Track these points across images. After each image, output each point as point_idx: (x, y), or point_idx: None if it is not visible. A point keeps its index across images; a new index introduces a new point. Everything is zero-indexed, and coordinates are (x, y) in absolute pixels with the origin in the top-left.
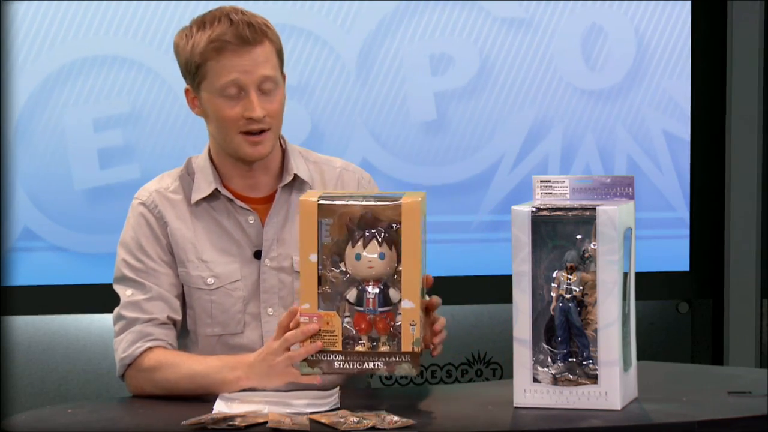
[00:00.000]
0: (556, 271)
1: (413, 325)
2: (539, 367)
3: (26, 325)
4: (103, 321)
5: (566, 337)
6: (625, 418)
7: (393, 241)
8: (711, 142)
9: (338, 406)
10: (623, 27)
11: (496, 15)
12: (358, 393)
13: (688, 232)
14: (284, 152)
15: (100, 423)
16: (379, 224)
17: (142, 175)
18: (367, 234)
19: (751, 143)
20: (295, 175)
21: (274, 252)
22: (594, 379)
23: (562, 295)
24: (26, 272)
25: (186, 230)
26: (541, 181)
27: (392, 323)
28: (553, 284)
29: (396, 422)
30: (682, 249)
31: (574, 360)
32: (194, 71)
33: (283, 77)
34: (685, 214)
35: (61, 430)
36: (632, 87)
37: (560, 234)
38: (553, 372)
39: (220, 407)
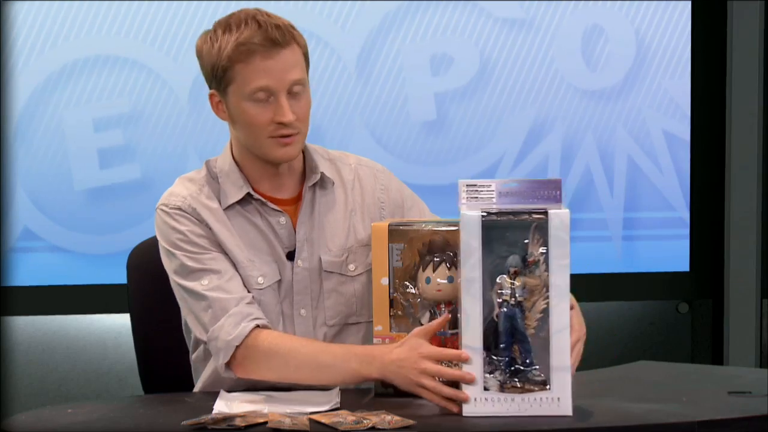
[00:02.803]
0: (500, 276)
1: None
2: (486, 375)
3: (26, 325)
4: (102, 321)
5: (510, 343)
6: (625, 418)
7: None
8: (711, 142)
9: (338, 406)
10: (623, 27)
11: (496, 15)
12: (358, 393)
13: (688, 232)
14: (305, 152)
15: (100, 423)
16: (448, 248)
17: (142, 175)
18: (436, 258)
19: (751, 143)
20: (321, 173)
21: (306, 252)
22: (541, 384)
23: (506, 300)
24: (26, 272)
25: (228, 232)
26: (467, 185)
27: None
28: (496, 289)
29: (396, 422)
30: (682, 249)
31: (516, 367)
32: (221, 75)
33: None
34: (685, 214)
35: (61, 430)
36: (632, 87)
37: (504, 238)
38: (499, 379)
39: (220, 407)
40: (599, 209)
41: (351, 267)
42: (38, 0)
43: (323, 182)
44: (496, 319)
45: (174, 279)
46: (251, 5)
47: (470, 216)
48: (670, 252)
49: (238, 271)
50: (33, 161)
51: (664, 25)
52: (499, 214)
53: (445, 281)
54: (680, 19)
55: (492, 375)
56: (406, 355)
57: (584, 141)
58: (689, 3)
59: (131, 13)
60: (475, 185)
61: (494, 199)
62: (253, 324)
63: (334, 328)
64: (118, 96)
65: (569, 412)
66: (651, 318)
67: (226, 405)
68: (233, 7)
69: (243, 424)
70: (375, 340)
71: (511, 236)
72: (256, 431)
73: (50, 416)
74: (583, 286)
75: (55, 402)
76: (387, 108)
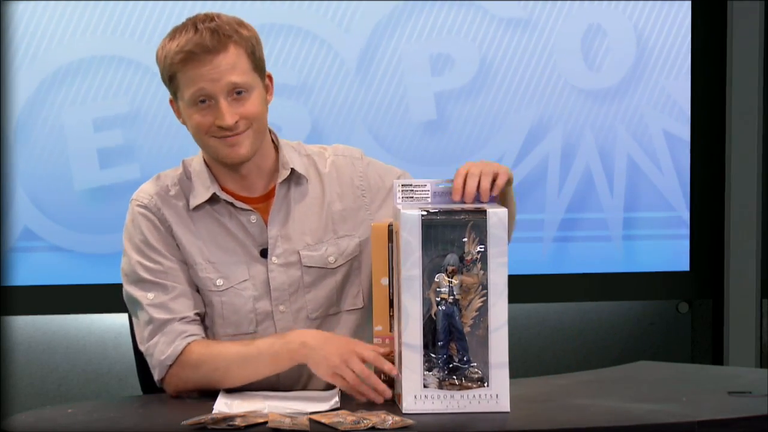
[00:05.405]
0: (438, 274)
1: None
2: (425, 372)
3: (26, 325)
4: (102, 321)
5: (447, 341)
6: (625, 418)
7: None
8: (711, 142)
9: (338, 406)
10: (623, 27)
11: (496, 15)
12: None
13: (688, 232)
14: (277, 149)
15: (100, 423)
16: None
17: (142, 175)
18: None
19: (751, 143)
20: (292, 169)
21: (280, 249)
22: (479, 382)
23: (444, 299)
24: (26, 272)
25: (190, 234)
26: (402, 185)
27: None
28: (434, 288)
29: (396, 422)
30: (682, 249)
31: (454, 364)
32: (169, 83)
33: (268, 76)
34: (685, 214)
35: (61, 430)
36: (632, 87)
37: (442, 237)
38: (437, 377)
39: (220, 407)
40: (599, 209)
41: (331, 259)
42: (38, 0)
43: (297, 178)
44: (434, 317)
45: (123, 278)
46: (247, 5)
47: (410, 215)
48: (670, 252)
49: (198, 272)
50: (33, 161)
51: (664, 25)
52: (438, 213)
53: None
54: (680, 19)
55: (431, 372)
56: (336, 341)
57: (584, 141)
58: (689, 3)
59: (131, 13)
60: (411, 185)
61: (429, 199)
62: (185, 342)
63: (316, 321)
64: (118, 96)
65: (507, 408)
66: (651, 318)
67: (226, 405)
68: (233, 7)
69: (243, 424)
70: (375, 340)
71: (449, 235)
72: (256, 431)
73: (50, 416)
74: (583, 286)
75: (55, 402)
76: (387, 108)
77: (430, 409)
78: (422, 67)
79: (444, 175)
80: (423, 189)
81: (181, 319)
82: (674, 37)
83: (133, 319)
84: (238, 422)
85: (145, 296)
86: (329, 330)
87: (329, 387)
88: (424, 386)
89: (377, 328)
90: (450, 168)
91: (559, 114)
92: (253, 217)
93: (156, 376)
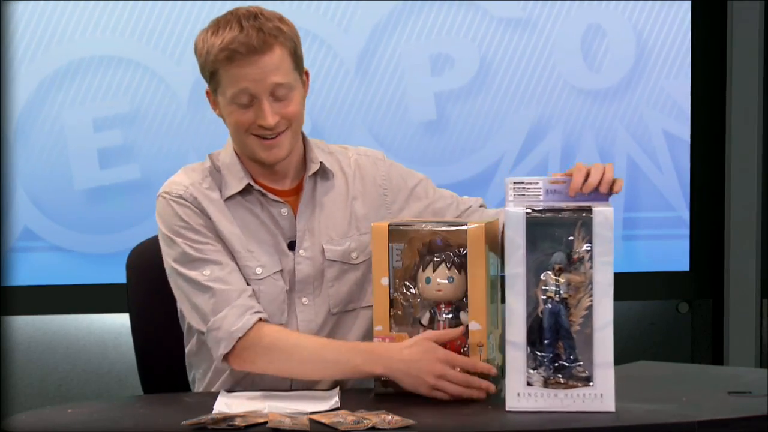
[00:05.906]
0: (544, 272)
1: (480, 346)
2: (530, 371)
3: (26, 325)
4: (102, 321)
5: (554, 339)
6: (625, 418)
7: (462, 265)
8: (711, 142)
9: (338, 406)
10: (623, 27)
11: (496, 15)
12: (358, 393)
13: (688, 232)
14: (305, 144)
15: (100, 423)
16: (448, 249)
17: (142, 175)
18: (436, 258)
19: (751, 143)
20: (321, 163)
21: (307, 242)
22: (585, 381)
23: (551, 297)
24: (26, 272)
25: (228, 222)
26: (514, 183)
27: (463, 345)
28: (540, 286)
29: (396, 422)
30: (682, 249)
31: (561, 363)
32: (209, 77)
33: (306, 74)
34: (685, 214)
35: (61, 430)
36: (632, 87)
37: (548, 235)
38: (543, 375)
39: (220, 407)
40: None
41: (353, 255)
42: (38, 0)
43: (324, 173)
44: (540, 316)
45: (173, 267)
46: (252, 5)
47: (515, 213)
48: (670, 252)
49: (236, 261)
50: (33, 161)
51: (664, 25)
52: (543, 211)
53: (445, 281)
54: (680, 19)
55: (536, 371)
56: (419, 357)
57: (584, 141)
58: (689, 3)
59: (131, 13)
60: (523, 182)
61: (541, 197)
62: (256, 317)
63: (336, 316)
64: (118, 96)
65: (612, 408)
66: (651, 318)
67: (226, 405)
68: (233, 7)
69: (243, 424)
70: (375, 340)
71: (556, 233)
72: (256, 431)
73: (50, 416)
74: None
75: (55, 402)
76: (387, 108)
77: (534, 407)
78: (422, 67)
79: (444, 174)
80: (535, 186)
81: (243, 292)
82: (674, 37)
83: (186, 305)
84: (238, 422)
85: (202, 274)
86: (347, 326)
87: (331, 388)
88: (529, 384)
89: (377, 328)
90: (450, 168)
91: (559, 114)
92: (284, 210)
93: (221, 350)
